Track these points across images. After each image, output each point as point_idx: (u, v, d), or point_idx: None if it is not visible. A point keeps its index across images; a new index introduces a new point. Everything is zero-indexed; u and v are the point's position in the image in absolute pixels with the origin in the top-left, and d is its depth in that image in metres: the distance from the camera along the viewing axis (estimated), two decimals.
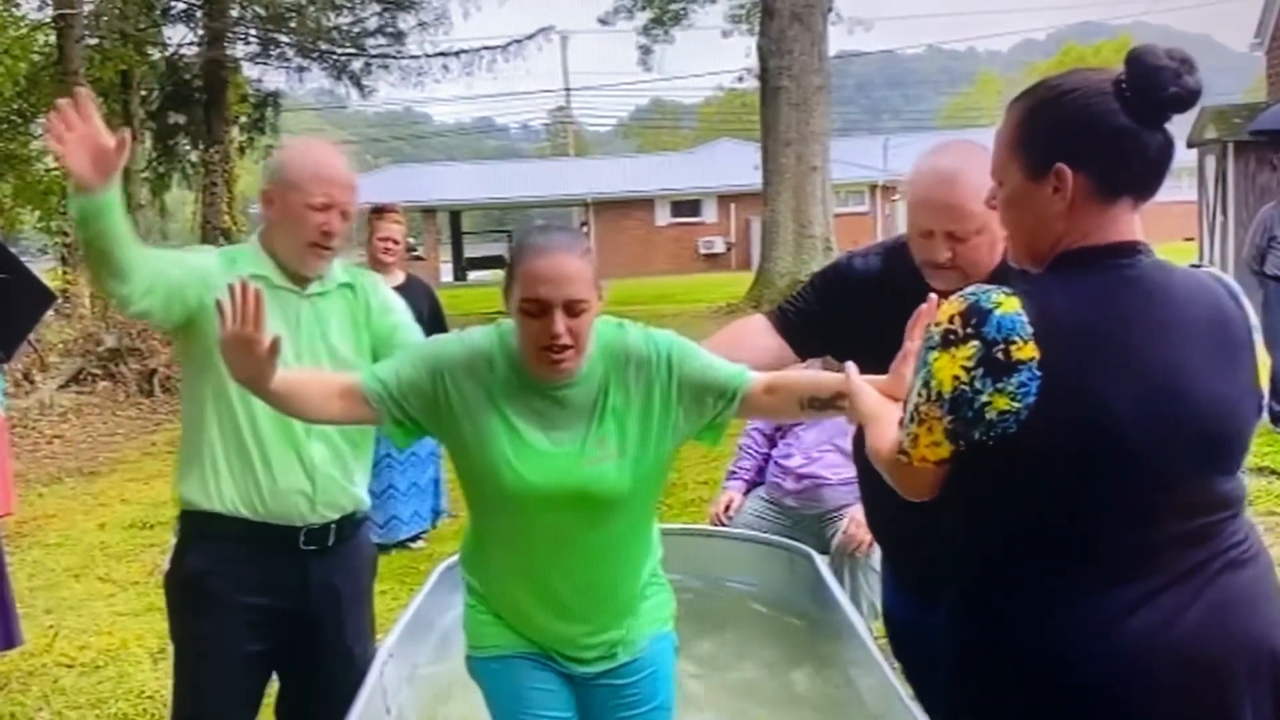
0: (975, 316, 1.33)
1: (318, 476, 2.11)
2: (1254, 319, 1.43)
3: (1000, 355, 1.31)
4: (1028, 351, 1.30)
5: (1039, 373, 1.30)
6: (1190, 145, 14.47)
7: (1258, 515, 4.83)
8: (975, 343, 1.32)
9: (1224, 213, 9.77)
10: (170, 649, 2.30)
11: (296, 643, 2.19)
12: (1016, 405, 1.31)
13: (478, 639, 1.95)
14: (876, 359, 1.77)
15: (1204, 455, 1.35)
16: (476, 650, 1.95)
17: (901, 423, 1.43)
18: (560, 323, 1.72)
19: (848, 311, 2.11)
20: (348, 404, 1.81)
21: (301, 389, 1.78)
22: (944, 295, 1.84)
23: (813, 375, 1.94)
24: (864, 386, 1.65)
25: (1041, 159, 1.39)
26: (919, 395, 1.37)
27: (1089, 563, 1.35)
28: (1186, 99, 1.35)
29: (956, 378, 1.33)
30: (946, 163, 1.97)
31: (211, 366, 1.99)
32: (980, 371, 1.32)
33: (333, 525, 2.16)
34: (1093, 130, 1.36)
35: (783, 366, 2.10)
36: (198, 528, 2.12)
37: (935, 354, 1.36)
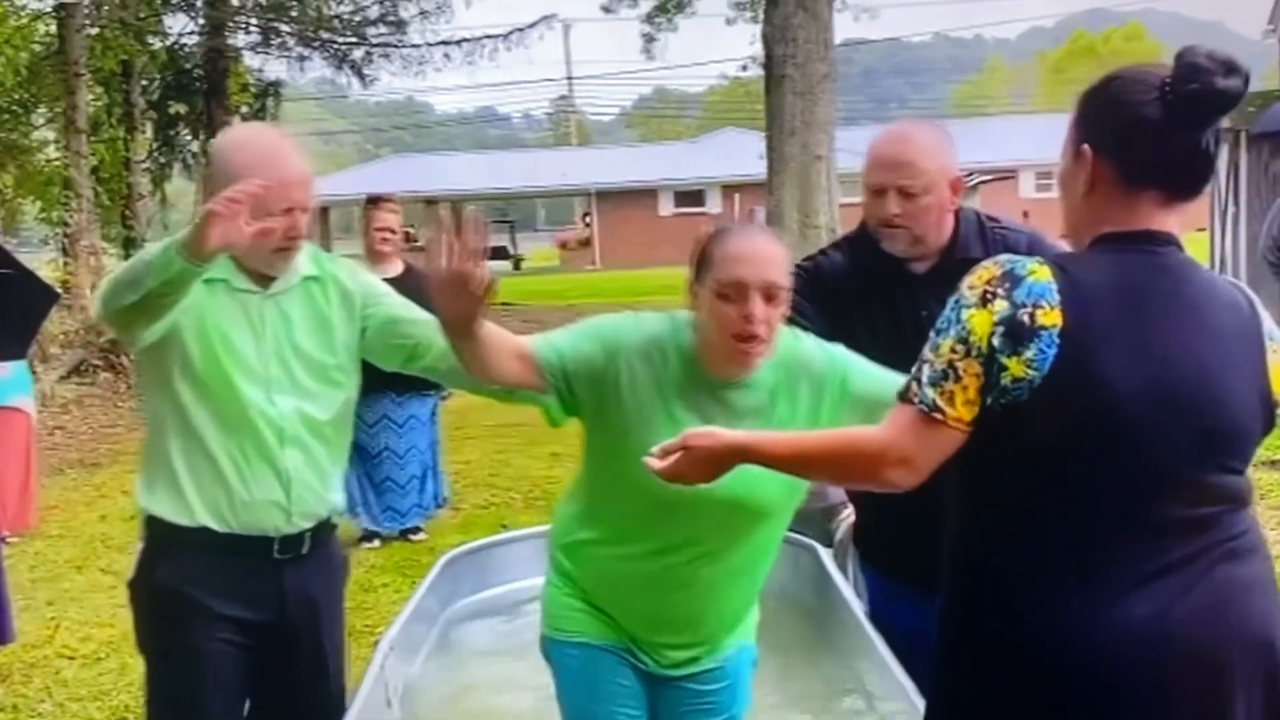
0: (1009, 281, 1.37)
1: (293, 486, 2.01)
2: (1269, 325, 1.45)
3: (1025, 319, 1.34)
4: (1052, 317, 1.33)
5: (1059, 341, 1.32)
6: None
7: (1270, 509, 4.79)
8: (1005, 303, 1.35)
9: (1236, 203, 9.68)
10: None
11: (272, 658, 2.08)
12: (1031, 374, 1.33)
13: (559, 621, 1.91)
14: (859, 346, 1.87)
15: (1206, 447, 1.36)
16: (556, 632, 1.92)
17: (912, 390, 1.37)
18: (758, 305, 1.68)
19: (829, 307, 2.19)
20: (522, 367, 1.76)
21: (495, 341, 1.72)
22: (906, 271, 2.13)
23: None
24: (749, 435, 1.50)
25: (1078, 140, 1.45)
26: (954, 352, 1.37)
27: (1083, 548, 1.36)
28: (1219, 99, 1.37)
29: (991, 334, 1.36)
30: (899, 127, 2.19)
31: (169, 385, 1.96)
32: (1001, 331, 1.34)
33: (307, 533, 2.07)
34: (1115, 115, 1.42)
35: None
36: (166, 536, 2.02)
37: (970, 311, 1.37)
